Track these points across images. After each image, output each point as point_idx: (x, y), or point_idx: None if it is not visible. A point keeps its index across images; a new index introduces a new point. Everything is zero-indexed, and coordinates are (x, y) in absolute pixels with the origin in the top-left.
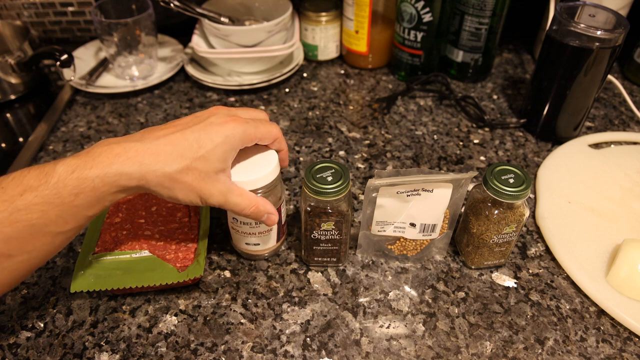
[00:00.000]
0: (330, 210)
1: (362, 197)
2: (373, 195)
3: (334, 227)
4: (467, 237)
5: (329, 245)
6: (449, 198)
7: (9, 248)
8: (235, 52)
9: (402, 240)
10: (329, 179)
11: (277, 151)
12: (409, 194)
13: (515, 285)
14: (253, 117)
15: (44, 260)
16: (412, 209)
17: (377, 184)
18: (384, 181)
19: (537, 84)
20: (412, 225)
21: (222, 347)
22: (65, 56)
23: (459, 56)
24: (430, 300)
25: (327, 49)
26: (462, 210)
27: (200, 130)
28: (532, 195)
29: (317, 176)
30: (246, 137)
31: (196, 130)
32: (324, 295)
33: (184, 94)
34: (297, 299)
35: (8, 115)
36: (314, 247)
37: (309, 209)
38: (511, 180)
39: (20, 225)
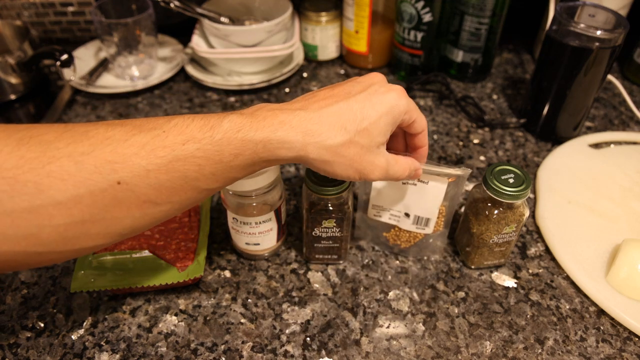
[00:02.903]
0: (331, 208)
1: None
2: None
3: (335, 225)
4: (467, 237)
5: (330, 242)
6: (444, 192)
7: (157, 195)
8: (235, 52)
9: (396, 229)
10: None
11: (419, 147)
12: (404, 181)
13: (515, 285)
14: None
15: (180, 212)
16: (407, 198)
17: None
18: None
19: (537, 84)
20: (407, 215)
21: (222, 347)
22: (65, 56)
23: (459, 56)
24: (430, 300)
25: (327, 49)
26: (462, 210)
27: (364, 100)
28: (532, 195)
29: (319, 174)
30: (407, 113)
31: (360, 99)
32: (324, 295)
33: (184, 94)
34: (297, 299)
35: (8, 115)
36: (315, 245)
37: (310, 206)
38: (511, 180)
39: (175, 175)
